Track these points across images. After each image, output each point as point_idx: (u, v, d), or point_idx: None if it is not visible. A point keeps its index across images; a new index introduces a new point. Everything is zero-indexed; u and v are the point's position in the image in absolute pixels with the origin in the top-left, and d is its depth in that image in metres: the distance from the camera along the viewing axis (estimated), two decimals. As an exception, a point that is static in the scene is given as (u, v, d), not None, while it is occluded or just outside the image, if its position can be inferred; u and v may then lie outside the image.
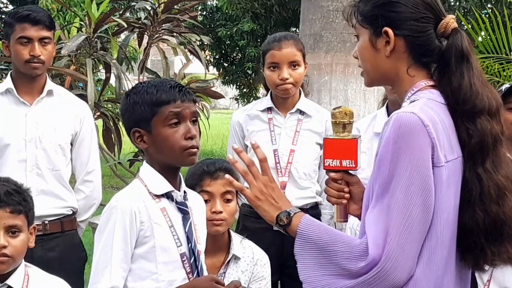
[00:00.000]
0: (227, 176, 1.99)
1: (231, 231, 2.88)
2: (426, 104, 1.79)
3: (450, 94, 1.82)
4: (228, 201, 2.77)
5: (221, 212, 2.72)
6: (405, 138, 1.72)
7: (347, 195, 2.06)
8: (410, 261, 1.72)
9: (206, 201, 2.67)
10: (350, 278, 1.74)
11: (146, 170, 2.27)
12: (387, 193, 1.73)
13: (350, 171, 2.06)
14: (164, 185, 2.24)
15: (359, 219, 2.09)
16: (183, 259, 2.23)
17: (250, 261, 2.85)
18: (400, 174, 1.71)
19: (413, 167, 1.71)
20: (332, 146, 2.04)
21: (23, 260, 2.46)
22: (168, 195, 2.25)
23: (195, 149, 2.22)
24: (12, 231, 2.40)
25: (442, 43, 1.86)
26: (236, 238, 2.87)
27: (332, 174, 2.06)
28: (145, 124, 2.22)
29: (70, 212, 3.39)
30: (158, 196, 2.24)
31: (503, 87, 3.10)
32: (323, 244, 1.80)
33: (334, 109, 2.09)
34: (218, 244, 2.79)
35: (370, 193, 1.81)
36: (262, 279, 2.86)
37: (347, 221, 2.14)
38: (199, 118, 2.37)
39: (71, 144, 3.41)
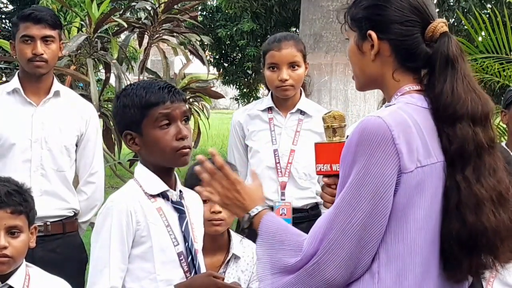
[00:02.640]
0: (197, 188, 2.03)
1: (231, 230, 2.89)
2: (400, 108, 1.76)
3: (434, 99, 1.79)
4: None
5: (220, 212, 2.72)
6: (366, 142, 1.71)
7: None
8: (346, 262, 1.71)
9: (205, 201, 2.67)
10: (289, 273, 1.78)
11: (141, 171, 2.27)
12: (339, 195, 1.74)
13: None
14: (159, 185, 2.24)
15: None
16: (181, 258, 2.23)
17: (250, 260, 2.85)
18: (354, 176, 1.71)
19: (366, 172, 1.70)
20: (322, 150, 2.05)
21: (24, 260, 2.46)
22: (163, 195, 2.26)
23: (187, 149, 2.22)
24: (12, 231, 2.40)
25: (432, 48, 1.82)
26: (236, 237, 2.87)
27: (325, 179, 2.07)
28: (136, 126, 2.23)
29: (72, 214, 3.39)
30: (153, 196, 2.24)
31: None
32: (274, 242, 1.83)
33: (325, 114, 2.09)
34: (218, 244, 2.80)
35: None
36: None
37: None
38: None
39: (76, 145, 3.41)
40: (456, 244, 1.74)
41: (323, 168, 2.05)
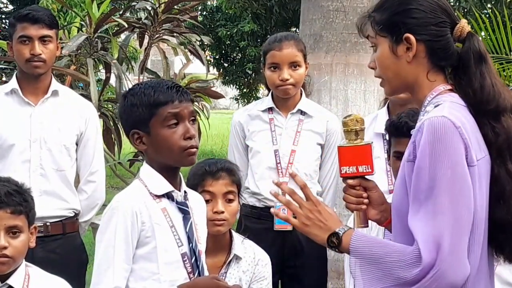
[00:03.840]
0: (272, 210, 2.05)
1: (232, 231, 2.89)
2: (451, 107, 1.82)
3: (472, 95, 1.86)
4: (230, 201, 2.78)
5: (222, 212, 2.72)
6: (441, 141, 1.75)
7: (366, 201, 2.09)
8: (464, 260, 1.75)
9: (207, 201, 2.67)
10: (409, 285, 1.76)
11: (146, 171, 2.27)
12: (430, 198, 1.75)
13: (366, 177, 2.09)
14: (164, 185, 2.24)
15: (379, 224, 2.14)
16: (184, 259, 2.23)
17: (252, 261, 2.85)
18: (441, 177, 1.74)
19: (453, 169, 1.74)
20: (347, 153, 2.08)
21: (23, 260, 2.46)
22: (168, 195, 2.25)
23: (194, 149, 2.23)
24: (12, 231, 2.40)
25: (457, 46, 1.91)
26: (237, 238, 2.87)
27: (350, 181, 2.09)
28: (144, 125, 2.22)
29: (72, 214, 3.39)
30: (158, 197, 2.24)
31: None
32: (376, 257, 1.82)
33: (345, 117, 2.12)
34: (220, 244, 2.79)
35: (402, 199, 1.84)
36: (263, 279, 2.86)
37: (367, 226, 2.16)
38: (199, 118, 2.37)
39: (76, 145, 3.41)
40: None
41: (348, 170, 2.07)
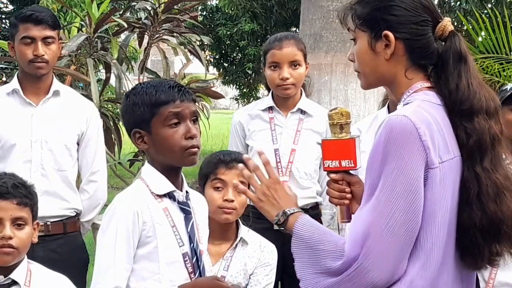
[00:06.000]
0: (240, 165, 2.04)
1: (239, 219, 2.91)
2: (419, 106, 1.80)
3: (448, 95, 1.83)
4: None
5: (232, 200, 2.76)
6: (395, 141, 1.73)
7: (349, 195, 2.07)
8: (392, 261, 1.73)
9: (219, 188, 2.75)
10: (332, 276, 1.78)
11: (148, 170, 2.27)
12: (373, 196, 1.75)
13: (350, 171, 2.06)
14: (166, 185, 2.24)
15: None
16: (185, 259, 2.23)
17: (257, 248, 2.89)
18: (386, 176, 1.73)
19: (399, 170, 1.72)
20: (330, 147, 2.05)
21: (26, 256, 2.47)
22: (170, 195, 2.25)
23: (196, 149, 2.22)
24: (18, 223, 2.42)
25: (439, 46, 1.88)
26: (243, 226, 2.91)
27: (333, 175, 2.07)
28: (145, 125, 2.22)
29: (73, 214, 3.38)
30: (160, 196, 2.24)
31: (508, 87, 3.07)
32: (312, 243, 1.83)
33: (331, 110, 2.09)
34: (226, 233, 2.84)
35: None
36: (267, 265, 2.89)
37: (350, 221, 2.14)
38: (199, 118, 2.37)
39: (78, 144, 3.41)
40: (479, 232, 1.78)
41: (331, 165, 2.05)
